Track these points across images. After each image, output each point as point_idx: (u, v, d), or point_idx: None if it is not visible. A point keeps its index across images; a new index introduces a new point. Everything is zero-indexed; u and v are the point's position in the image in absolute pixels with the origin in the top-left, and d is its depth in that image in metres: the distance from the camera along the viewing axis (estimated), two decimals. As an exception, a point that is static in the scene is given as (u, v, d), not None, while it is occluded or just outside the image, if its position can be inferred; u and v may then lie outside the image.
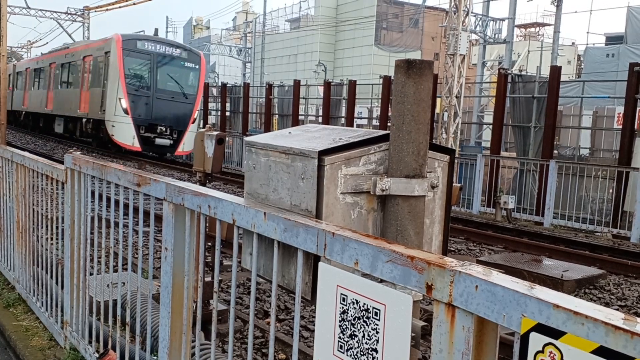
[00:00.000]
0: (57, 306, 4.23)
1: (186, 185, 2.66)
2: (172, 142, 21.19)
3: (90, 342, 3.71)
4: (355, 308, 1.77)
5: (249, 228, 2.21)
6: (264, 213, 2.14)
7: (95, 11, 42.35)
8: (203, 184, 4.31)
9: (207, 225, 2.81)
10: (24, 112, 32.90)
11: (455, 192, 9.95)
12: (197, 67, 21.97)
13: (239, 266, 2.55)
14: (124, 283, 3.43)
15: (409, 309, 1.65)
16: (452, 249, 9.29)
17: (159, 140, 20.91)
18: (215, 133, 4.09)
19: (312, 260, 2.22)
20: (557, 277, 7.16)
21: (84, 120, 22.88)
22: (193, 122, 21.66)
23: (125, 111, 20.26)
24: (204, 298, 4.16)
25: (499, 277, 1.44)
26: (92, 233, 3.75)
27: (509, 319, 1.36)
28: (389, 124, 16.37)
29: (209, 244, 4.24)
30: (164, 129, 20.94)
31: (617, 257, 8.96)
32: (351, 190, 2.41)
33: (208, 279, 4.22)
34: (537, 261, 8.11)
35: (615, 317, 1.18)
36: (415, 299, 2.09)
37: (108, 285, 3.64)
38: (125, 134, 20.29)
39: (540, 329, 1.27)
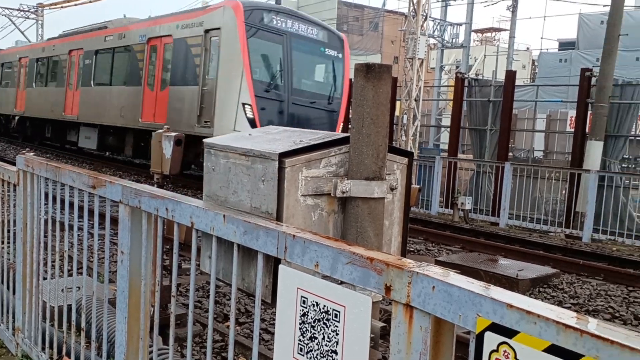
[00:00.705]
0: (8, 312, 4.09)
1: (143, 187, 2.62)
2: None
3: (43, 349, 3.60)
4: (315, 310, 1.78)
5: (207, 231, 2.19)
6: (224, 216, 2.12)
7: (50, 8, 41.27)
8: (161, 186, 4.24)
9: (165, 228, 2.78)
10: (17, 118, 24.31)
11: (414, 194, 10.05)
12: (340, 56, 14.80)
13: (198, 269, 2.53)
14: (79, 287, 3.35)
15: (368, 310, 1.66)
16: (411, 249, 9.41)
17: None
18: (173, 134, 4.04)
19: (273, 263, 2.22)
20: (512, 276, 7.34)
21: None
22: None
23: (252, 123, 12.78)
24: (162, 302, 4.09)
25: (455, 278, 1.47)
26: (45, 236, 3.64)
27: (465, 319, 1.39)
28: (350, 126, 16.40)
29: (167, 246, 4.18)
30: None
31: (569, 257, 9.24)
32: (312, 192, 2.42)
33: (166, 282, 4.15)
34: (493, 261, 8.29)
35: (566, 316, 1.22)
36: (375, 300, 2.11)
37: (62, 290, 3.54)
38: None
39: (495, 328, 1.31)
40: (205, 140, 2.77)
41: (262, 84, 13.29)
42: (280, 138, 2.59)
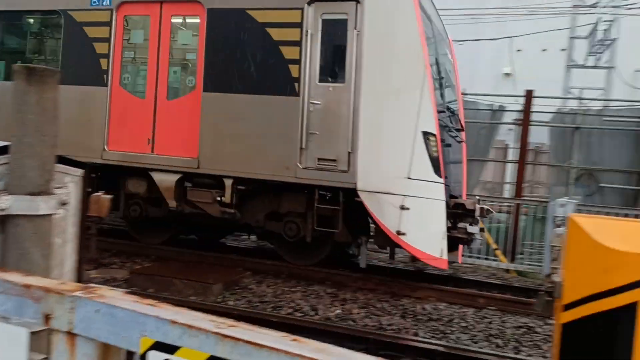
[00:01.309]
0: None
1: None
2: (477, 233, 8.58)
3: None
4: (-45, 353, 1.50)
5: None
6: None
7: None
8: None
9: None
10: None
11: (104, 204, 9.55)
12: (451, 60, 10.02)
13: None
14: None
15: (23, 344, 1.48)
16: (105, 262, 8.96)
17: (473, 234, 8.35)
18: None
19: None
20: (205, 281, 7.54)
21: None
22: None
23: (437, 167, 7.64)
24: None
25: (120, 299, 1.40)
26: None
27: (130, 341, 1.34)
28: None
29: None
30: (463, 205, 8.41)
31: (257, 259, 9.93)
32: (-42, 211, 2.05)
33: None
34: (188, 268, 8.40)
35: (225, 325, 1.26)
36: (38, 330, 1.90)
37: None
38: (430, 228, 7.80)
39: (159, 346, 1.28)
40: None
41: (437, 99, 8.08)
42: None
